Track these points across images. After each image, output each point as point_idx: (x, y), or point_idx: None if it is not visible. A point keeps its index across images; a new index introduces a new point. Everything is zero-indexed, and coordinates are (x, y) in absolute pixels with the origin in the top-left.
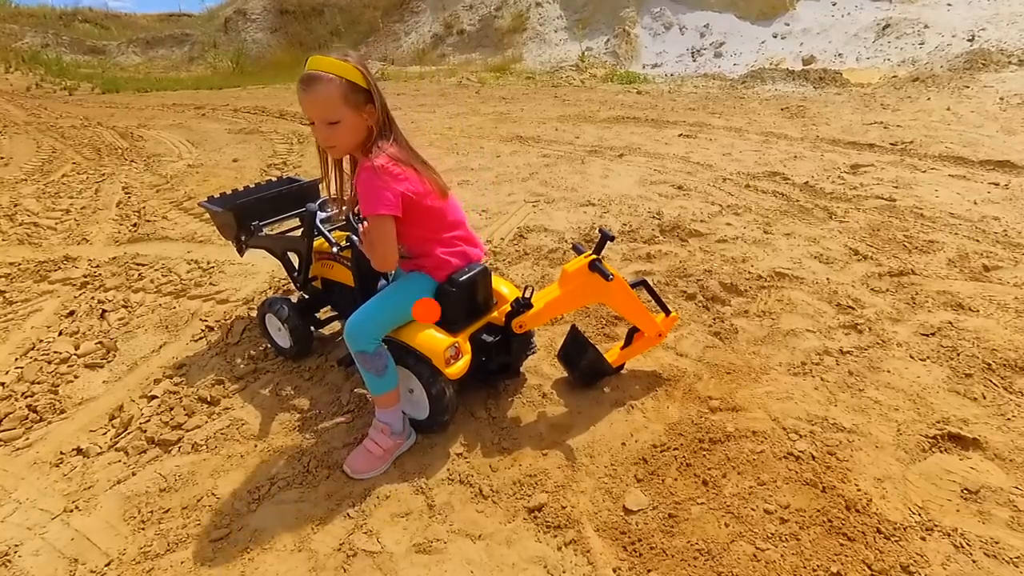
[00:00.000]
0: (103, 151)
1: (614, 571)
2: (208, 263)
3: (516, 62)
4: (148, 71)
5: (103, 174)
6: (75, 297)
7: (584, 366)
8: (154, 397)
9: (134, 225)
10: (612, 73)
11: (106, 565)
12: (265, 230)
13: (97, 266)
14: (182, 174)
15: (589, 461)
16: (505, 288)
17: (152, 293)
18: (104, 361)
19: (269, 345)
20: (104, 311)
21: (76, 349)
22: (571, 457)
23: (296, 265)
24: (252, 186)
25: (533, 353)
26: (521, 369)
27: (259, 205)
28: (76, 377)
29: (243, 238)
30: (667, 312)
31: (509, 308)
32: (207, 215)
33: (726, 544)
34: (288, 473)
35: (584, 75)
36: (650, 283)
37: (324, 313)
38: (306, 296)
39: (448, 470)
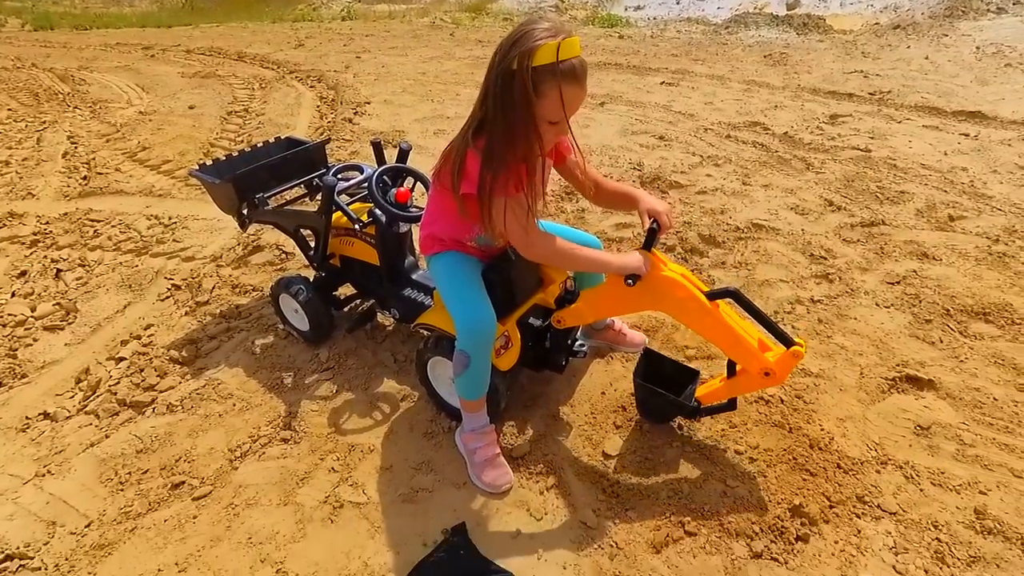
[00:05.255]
0: (41, 96)
1: (594, 512)
2: (170, 218)
3: (492, 2)
4: (86, 6)
5: (44, 122)
6: (25, 256)
7: (649, 407)
8: (122, 359)
9: (84, 178)
10: (593, 15)
11: (86, 526)
12: (271, 202)
13: (47, 223)
14: (133, 122)
15: (570, 410)
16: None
17: (111, 251)
18: (64, 323)
19: (284, 327)
20: (59, 271)
21: (32, 311)
22: (552, 407)
23: (310, 241)
24: (248, 149)
25: (583, 356)
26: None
27: (261, 173)
28: (35, 340)
29: (245, 212)
30: (788, 343)
31: (560, 290)
32: (169, 168)
33: (698, 483)
34: (269, 431)
35: (564, 17)
36: (743, 295)
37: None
38: (323, 274)
39: (432, 423)
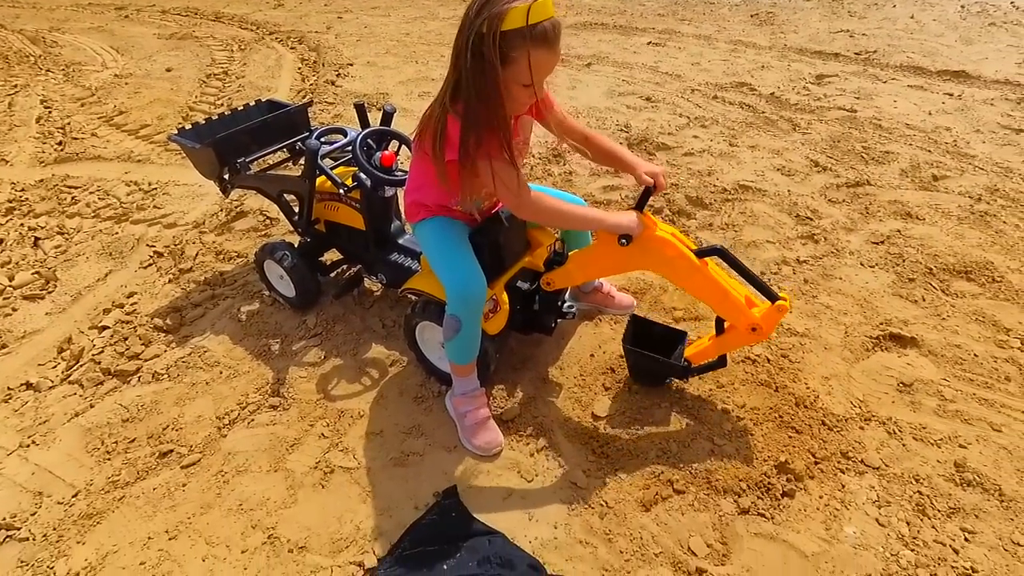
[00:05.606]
0: (12, 59)
1: (584, 472)
2: (150, 184)
3: None
4: None
5: (15, 85)
6: (1, 224)
7: (641, 371)
8: (105, 328)
9: (59, 144)
10: None
11: (73, 496)
12: (253, 166)
13: (22, 190)
14: (109, 85)
15: (559, 373)
16: (540, 234)
17: (90, 218)
18: (44, 292)
19: (270, 294)
20: (37, 239)
21: (10, 280)
22: (542, 370)
23: (294, 207)
24: (228, 113)
25: (572, 318)
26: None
27: (242, 137)
28: (14, 310)
29: (227, 177)
30: (772, 297)
31: (548, 253)
32: (147, 133)
33: (686, 442)
34: (258, 398)
35: None
36: (730, 252)
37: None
38: (308, 240)
39: (422, 387)
